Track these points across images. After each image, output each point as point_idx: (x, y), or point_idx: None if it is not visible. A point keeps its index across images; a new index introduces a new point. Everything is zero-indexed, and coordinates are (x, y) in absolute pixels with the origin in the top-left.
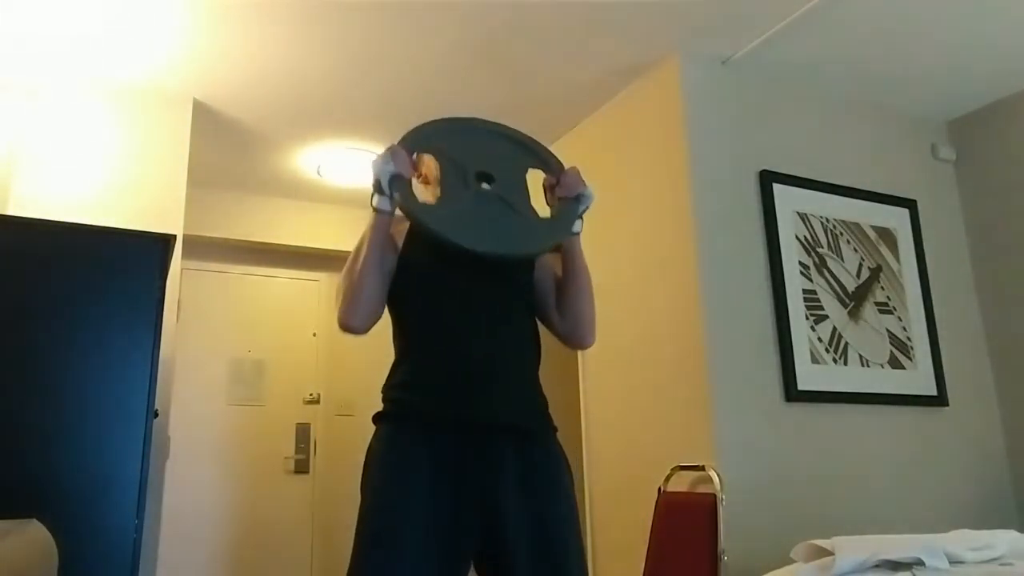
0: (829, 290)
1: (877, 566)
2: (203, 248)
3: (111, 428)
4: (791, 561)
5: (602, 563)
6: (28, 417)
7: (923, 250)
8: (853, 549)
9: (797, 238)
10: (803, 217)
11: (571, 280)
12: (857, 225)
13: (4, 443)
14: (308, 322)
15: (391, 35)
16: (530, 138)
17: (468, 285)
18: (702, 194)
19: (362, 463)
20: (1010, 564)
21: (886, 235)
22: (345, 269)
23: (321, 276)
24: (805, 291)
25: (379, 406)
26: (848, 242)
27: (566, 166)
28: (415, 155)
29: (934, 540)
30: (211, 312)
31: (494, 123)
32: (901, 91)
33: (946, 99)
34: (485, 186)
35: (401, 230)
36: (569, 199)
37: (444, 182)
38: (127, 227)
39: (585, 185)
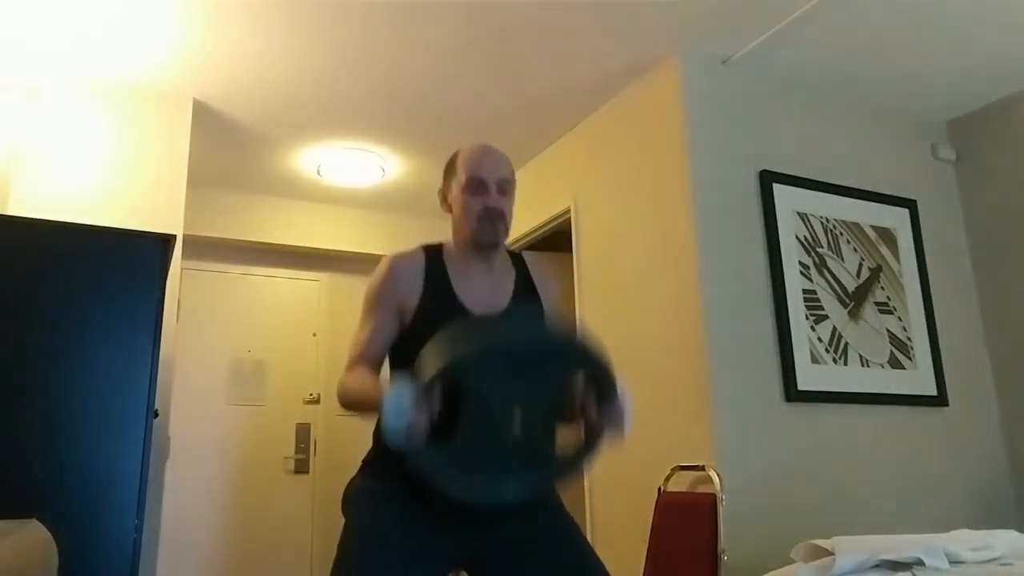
0: (829, 290)
1: (877, 566)
2: (203, 248)
3: (111, 428)
4: (791, 561)
5: None
6: (28, 417)
7: (923, 250)
8: (853, 549)
9: (797, 238)
10: (803, 217)
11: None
12: (857, 225)
13: (4, 443)
14: (308, 322)
15: (391, 35)
16: (599, 356)
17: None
18: (702, 194)
19: (362, 463)
20: (1010, 564)
21: (886, 235)
22: (350, 349)
23: (321, 276)
24: (805, 291)
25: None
26: (848, 242)
27: (619, 398)
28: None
29: (934, 540)
30: (211, 312)
31: (550, 338)
32: (901, 91)
33: (946, 99)
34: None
35: (410, 290)
36: (597, 434)
37: (465, 420)
38: (127, 227)
39: (624, 425)
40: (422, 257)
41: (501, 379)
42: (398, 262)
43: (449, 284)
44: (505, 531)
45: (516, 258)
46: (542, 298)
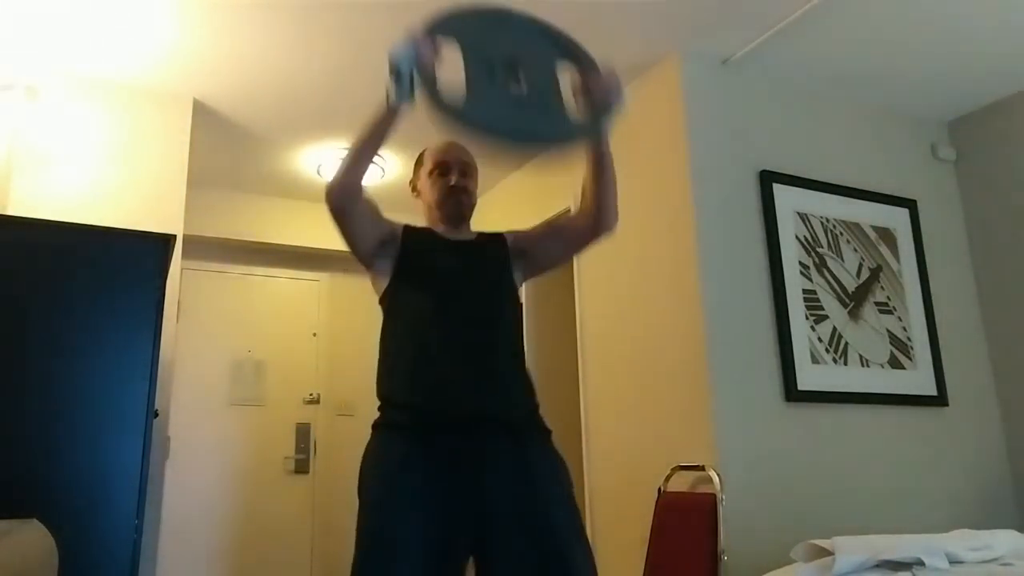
0: (829, 290)
1: (877, 566)
2: (203, 248)
3: (111, 428)
4: (791, 561)
5: (602, 563)
6: (28, 417)
7: (923, 250)
8: (853, 549)
9: (797, 238)
10: (803, 217)
11: (599, 176)
12: (857, 225)
13: (4, 443)
14: (308, 322)
15: (391, 35)
16: (564, 33)
17: (464, 279)
18: (702, 194)
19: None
20: (1010, 564)
21: (886, 235)
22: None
23: (321, 276)
24: (805, 291)
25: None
26: (848, 242)
27: (602, 70)
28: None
29: (934, 540)
30: (211, 312)
31: (523, 14)
32: (901, 91)
33: (946, 99)
34: (510, 80)
35: (395, 228)
36: (600, 106)
37: (468, 76)
38: (127, 227)
39: (620, 95)
40: (399, 223)
41: (495, 40)
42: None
43: (426, 228)
44: (504, 495)
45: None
46: (505, 236)
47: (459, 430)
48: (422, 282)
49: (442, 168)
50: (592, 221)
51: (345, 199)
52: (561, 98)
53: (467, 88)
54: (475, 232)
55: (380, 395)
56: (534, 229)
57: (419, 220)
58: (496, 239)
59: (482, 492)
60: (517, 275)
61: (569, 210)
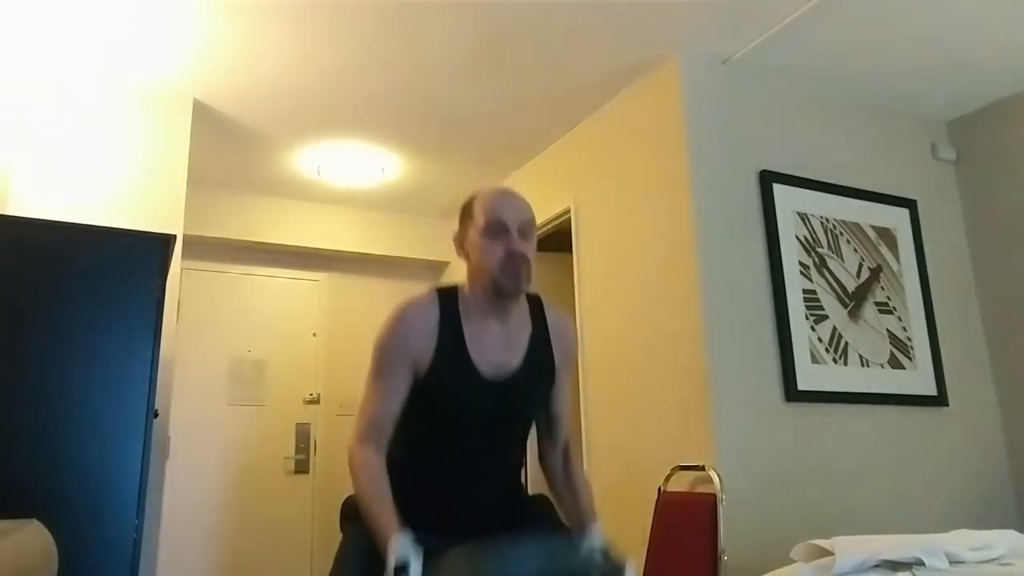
0: (829, 290)
1: (877, 566)
2: (203, 248)
3: (111, 428)
4: (791, 561)
5: None
6: (28, 417)
7: (923, 250)
8: (853, 549)
9: (797, 238)
10: (803, 217)
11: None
12: (857, 225)
13: (4, 443)
14: (308, 322)
15: (391, 35)
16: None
17: (489, 419)
18: (702, 194)
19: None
20: (1010, 564)
21: (886, 235)
22: (361, 407)
23: (321, 276)
24: (805, 291)
25: None
26: (848, 242)
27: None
28: None
29: (934, 540)
30: (211, 312)
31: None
32: (901, 91)
33: (946, 99)
34: None
35: (424, 347)
36: None
37: None
38: (127, 227)
39: None
40: (436, 310)
41: None
42: (411, 316)
43: (463, 342)
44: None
45: (534, 304)
46: (555, 352)
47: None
48: (444, 414)
49: (498, 228)
50: (546, 468)
51: None
52: None
53: None
54: (527, 329)
55: None
56: (560, 394)
57: (458, 273)
58: (547, 359)
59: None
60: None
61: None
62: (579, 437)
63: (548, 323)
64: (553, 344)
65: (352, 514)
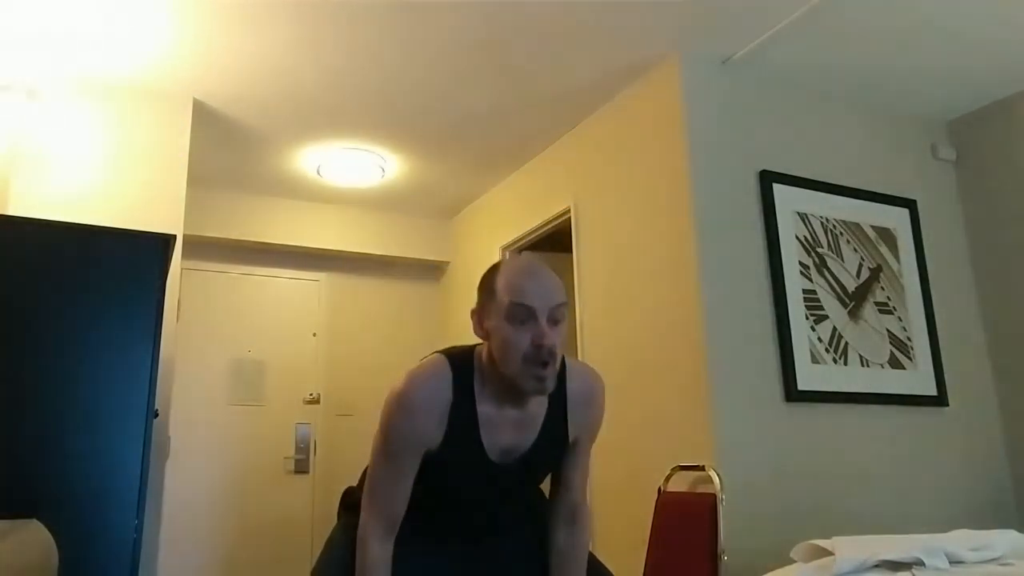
0: (829, 290)
1: (877, 566)
2: (203, 248)
3: (111, 428)
4: (791, 561)
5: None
6: (28, 417)
7: (923, 250)
8: (853, 549)
9: (797, 238)
10: (803, 217)
11: None
12: (857, 225)
13: (5, 443)
14: (308, 322)
15: (391, 35)
16: None
17: (493, 501)
18: (702, 194)
19: (361, 465)
20: (1010, 564)
21: (886, 235)
22: (371, 487)
23: (321, 276)
24: (805, 291)
25: (379, 406)
26: (848, 242)
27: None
28: None
29: (934, 540)
30: (211, 312)
31: None
32: (901, 91)
33: (946, 99)
34: None
35: (435, 432)
36: None
37: None
38: (127, 227)
39: None
40: (448, 389)
41: None
42: (423, 400)
43: (476, 429)
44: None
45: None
46: (570, 426)
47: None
48: (449, 489)
49: (525, 314)
50: (551, 528)
51: None
52: None
53: None
54: (544, 404)
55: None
56: (573, 458)
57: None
58: (561, 435)
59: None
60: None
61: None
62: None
63: (568, 394)
64: (570, 419)
65: (350, 505)
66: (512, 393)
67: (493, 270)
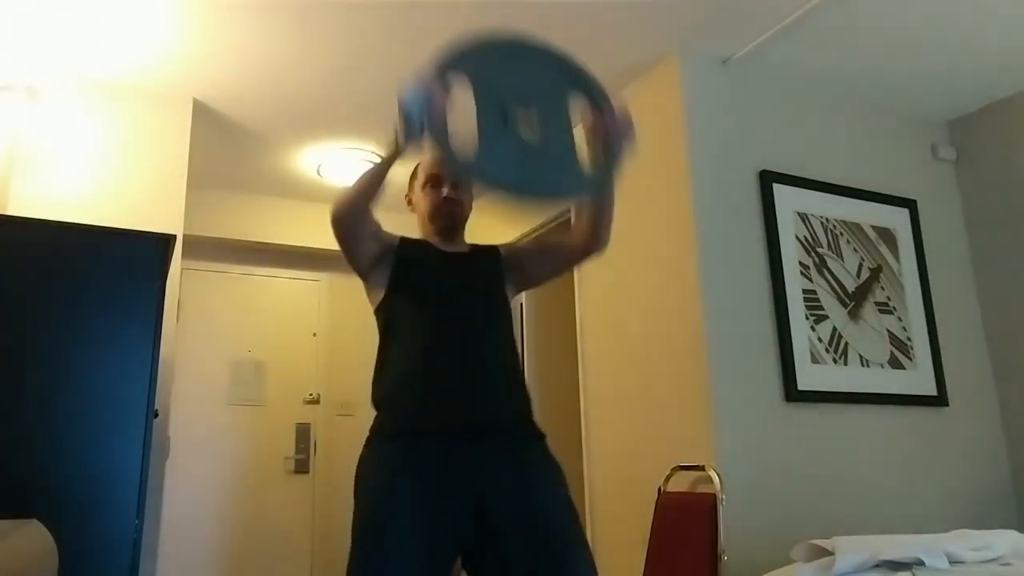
0: (829, 290)
1: (877, 566)
2: (203, 248)
3: (111, 428)
4: (791, 561)
5: (602, 563)
6: (28, 417)
7: (923, 250)
8: (853, 549)
9: (797, 238)
10: (803, 217)
11: (600, 206)
12: (857, 225)
13: (4, 443)
14: (308, 322)
15: (391, 35)
16: (580, 67)
17: (457, 291)
18: (702, 194)
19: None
20: (1010, 564)
21: (886, 235)
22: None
23: (321, 276)
24: (805, 291)
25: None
26: (848, 242)
27: (616, 108)
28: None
29: (934, 540)
30: (211, 312)
31: (539, 45)
32: (901, 91)
33: (946, 99)
34: (522, 123)
35: (391, 241)
36: (612, 151)
37: (480, 123)
38: (127, 227)
39: (631, 136)
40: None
41: (507, 76)
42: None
43: (421, 241)
44: (500, 499)
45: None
46: (497, 247)
47: (450, 436)
48: (416, 294)
49: (434, 181)
50: (585, 241)
51: (351, 225)
52: (573, 141)
53: (479, 136)
54: (469, 244)
55: (374, 402)
56: (528, 244)
57: (415, 231)
58: (489, 252)
59: (476, 496)
60: (510, 288)
61: (559, 222)
62: (578, 437)
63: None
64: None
65: (360, 477)
66: (437, 236)
67: (416, 165)
